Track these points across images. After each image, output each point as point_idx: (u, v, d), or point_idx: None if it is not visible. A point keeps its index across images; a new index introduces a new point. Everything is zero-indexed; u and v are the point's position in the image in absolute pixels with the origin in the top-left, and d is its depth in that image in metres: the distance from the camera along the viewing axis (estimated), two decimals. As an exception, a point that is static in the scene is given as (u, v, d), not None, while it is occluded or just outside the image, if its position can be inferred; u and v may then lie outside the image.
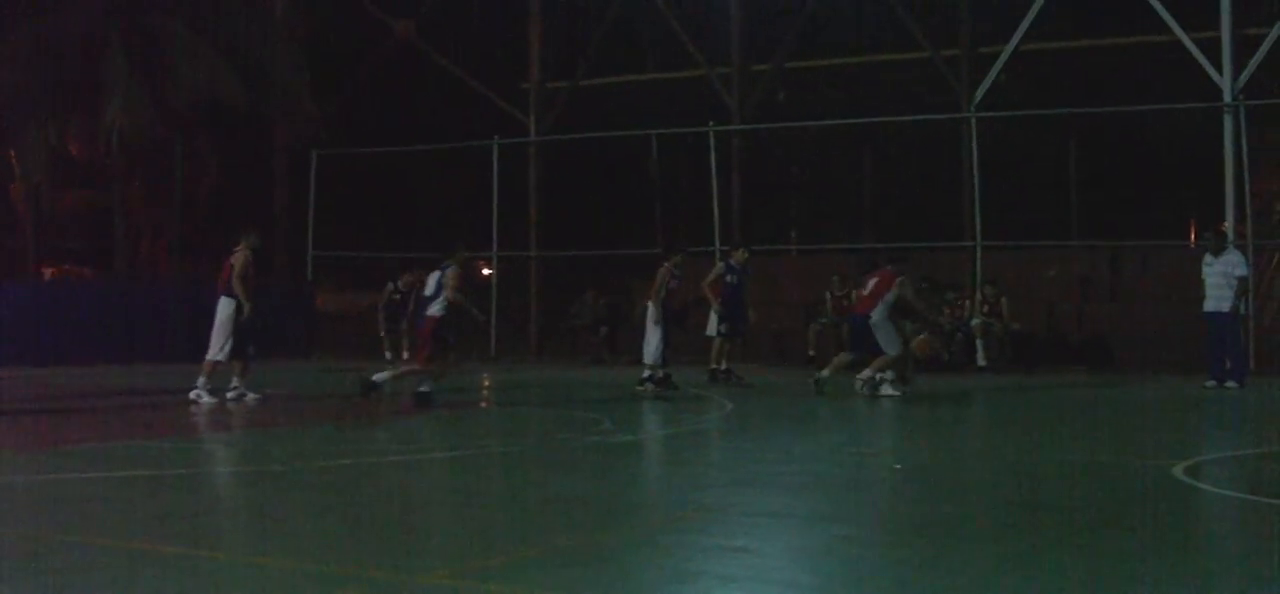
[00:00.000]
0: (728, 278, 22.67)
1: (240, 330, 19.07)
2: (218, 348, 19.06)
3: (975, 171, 28.28)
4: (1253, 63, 26.02)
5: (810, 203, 41.23)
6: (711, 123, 30.82)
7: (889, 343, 19.52)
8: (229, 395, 19.12)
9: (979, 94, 28.96)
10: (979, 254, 27.71)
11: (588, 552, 8.65)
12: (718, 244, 29.13)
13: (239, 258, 19.24)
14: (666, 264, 21.30)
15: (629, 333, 29.03)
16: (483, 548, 8.75)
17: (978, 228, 27.99)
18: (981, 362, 26.03)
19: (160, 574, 7.95)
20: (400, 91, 38.60)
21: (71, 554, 8.41)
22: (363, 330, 30.05)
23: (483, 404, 21.20)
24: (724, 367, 22.60)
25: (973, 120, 28.66)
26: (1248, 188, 25.82)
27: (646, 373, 20.69)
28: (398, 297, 27.23)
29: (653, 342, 20.79)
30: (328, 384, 22.72)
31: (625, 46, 37.58)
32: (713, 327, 22.51)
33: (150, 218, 39.62)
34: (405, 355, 26.14)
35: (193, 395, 18.83)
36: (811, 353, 27.16)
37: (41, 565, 8.11)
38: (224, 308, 19.10)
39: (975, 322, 26.29)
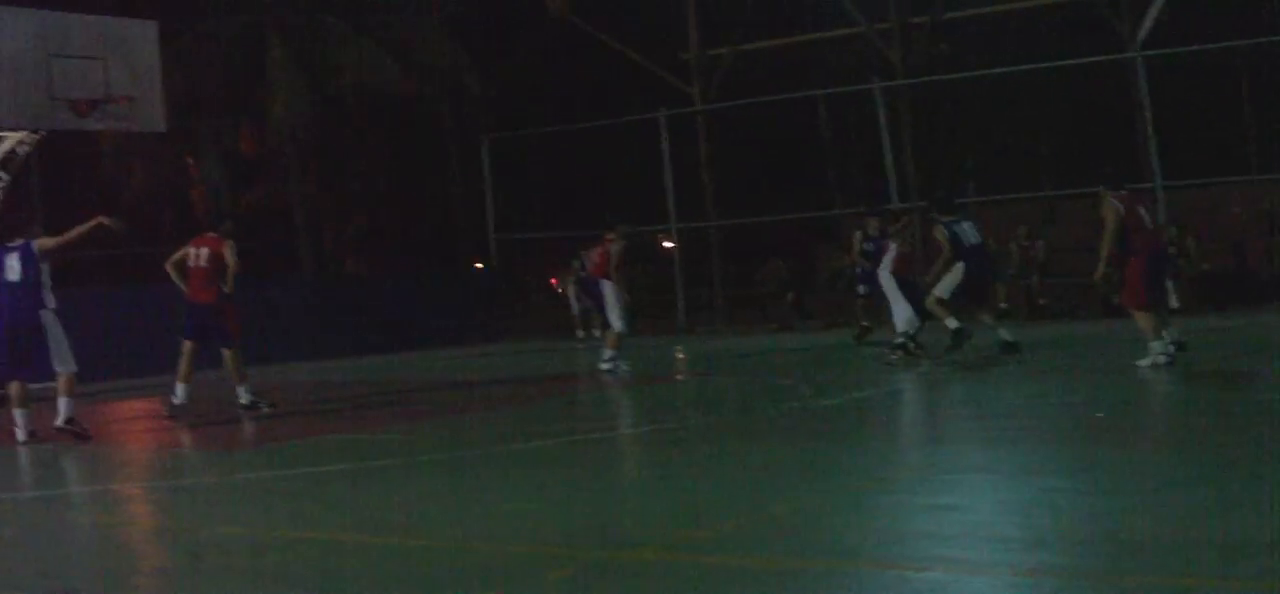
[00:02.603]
0: (866, 245, 22.88)
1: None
2: (615, 320, 20.50)
3: (1147, 112, 27.83)
4: None
5: (985, 153, 40.80)
6: (876, 80, 30.61)
7: None
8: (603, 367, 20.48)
9: (1142, 33, 28.51)
10: (1160, 195, 27.27)
11: (794, 518, 8.67)
12: (896, 201, 29.03)
13: (616, 247, 20.41)
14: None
15: (816, 297, 29.00)
16: (689, 520, 8.74)
17: (1155, 168, 27.53)
18: (1174, 303, 25.66)
19: (370, 564, 8.10)
20: (561, 69, 38.84)
21: (286, 549, 8.67)
22: (550, 310, 30.41)
23: (677, 376, 21.31)
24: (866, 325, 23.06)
25: (1139, 60, 28.19)
26: None
27: (898, 340, 20.21)
28: (585, 272, 27.41)
29: (899, 310, 20.43)
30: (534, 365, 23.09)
31: (783, 7, 37.45)
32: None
33: (328, 213, 40.26)
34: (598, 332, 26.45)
35: (605, 368, 20.23)
36: (1003, 304, 27.01)
37: (260, 563, 8.35)
38: (608, 288, 20.58)
39: (1165, 265, 25.92)
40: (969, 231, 18.41)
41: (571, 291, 28.33)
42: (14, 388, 15.22)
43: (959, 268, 18.19)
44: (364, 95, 34.25)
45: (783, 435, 13.00)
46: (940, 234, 18.48)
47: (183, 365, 16.81)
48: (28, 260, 14.99)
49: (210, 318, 16.91)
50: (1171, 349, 16.08)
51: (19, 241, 15.19)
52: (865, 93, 30.80)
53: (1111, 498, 8.68)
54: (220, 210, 19.10)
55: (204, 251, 16.84)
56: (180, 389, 16.77)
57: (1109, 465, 10.01)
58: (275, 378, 23.75)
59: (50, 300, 15.11)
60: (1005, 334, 18.53)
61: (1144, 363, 16.03)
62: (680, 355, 24.48)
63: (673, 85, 34.93)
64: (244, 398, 17.13)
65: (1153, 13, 28.35)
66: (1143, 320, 16.23)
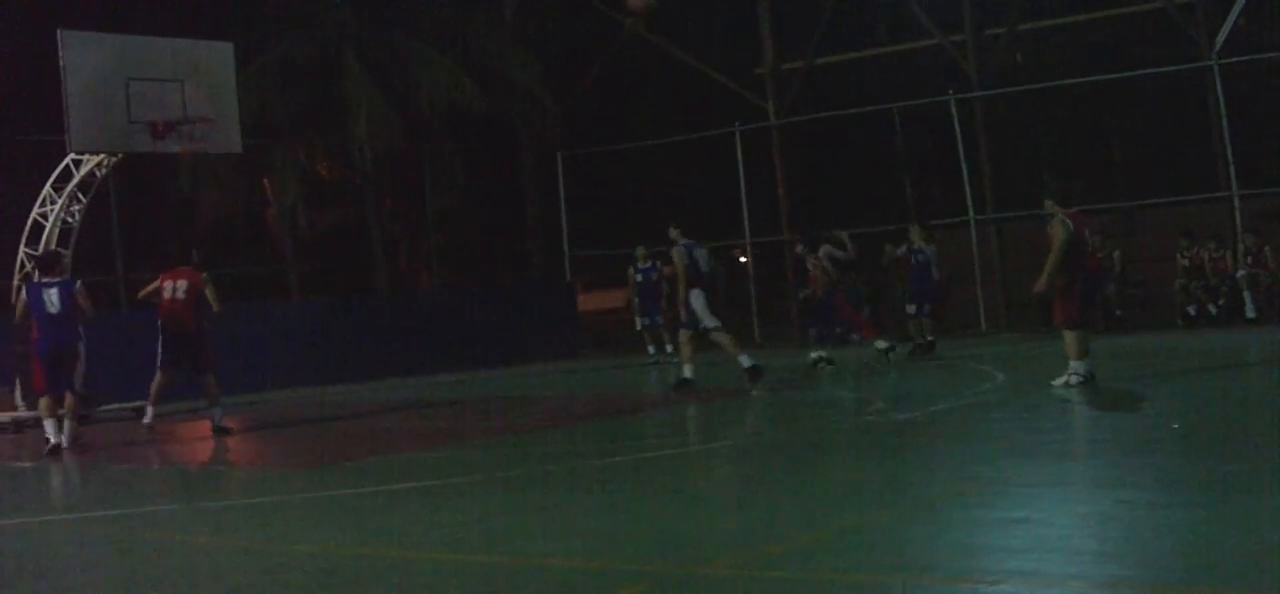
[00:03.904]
0: (916, 257, 23.60)
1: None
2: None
3: (1223, 120, 27.54)
4: None
5: (1061, 163, 40.49)
6: (951, 91, 30.45)
7: None
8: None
9: (1219, 40, 28.23)
10: (1237, 203, 26.99)
11: (870, 531, 8.65)
12: (972, 213, 28.93)
13: (826, 251, 22.06)
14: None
15: (892, 312, 28.87)
16: (764, 535, 8.75)
17: (1232, 177, 27.25)
18: (1251, 314, 25.41)
19: (443, 581, 8.13)
20: (636, 85, 38.84)
21: (361, 566, 8.71)
22: (623, 326, 30.40)
23: (752, 393, 21.24)
24: (928, 340, 23.38)
25: (1215, 68, 27.92)
26: None
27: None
28: (640, 276, 27.14)
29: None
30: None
31: (856, 20, 37.33)
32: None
33: (404, 232, 40.33)
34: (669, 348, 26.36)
35: (813, 359, 22.08)
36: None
37: (334, 580, 8.38)
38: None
39: (1241, 274, 25.66)
40: (703, 258, 19.10)
41: (634, 302, 28.19)
42: (45, 402, 16.74)
43: (698, 294, 19.16)
44: (439, 113, 34.28)
45: (856, 449, 12.98)
46: (678, 257, 18.86)
47: (156, 390, 17.84)
48: (66, 296, 16.78)
49: (188, 347, 17.85)
50: (1087, 371, 16.12)
51: (57, 279, 17.02)
52: (941, 105, 30.63)
53: (1187, 510, 8.60)
54: (189, 245, 19.84)
55: (181, 284, 17.72)
56: (151, 411, 17.98)
57: (1185, 478, 9.92)
58: (351, 397, 23.91)
59: (81, 332, 16.90)
60: (746, 360, 19.43)
61: (1058, 382, 16.19)
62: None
63: (747, 100, 34.85)
64: (219, 420, 17.97)
65: (1230, 20, 28.07)
66: (1071, 339, 16.26)
